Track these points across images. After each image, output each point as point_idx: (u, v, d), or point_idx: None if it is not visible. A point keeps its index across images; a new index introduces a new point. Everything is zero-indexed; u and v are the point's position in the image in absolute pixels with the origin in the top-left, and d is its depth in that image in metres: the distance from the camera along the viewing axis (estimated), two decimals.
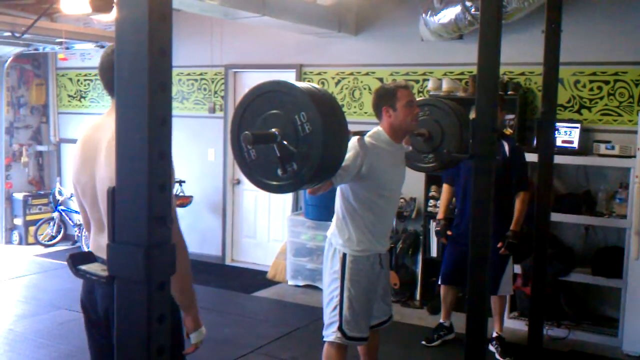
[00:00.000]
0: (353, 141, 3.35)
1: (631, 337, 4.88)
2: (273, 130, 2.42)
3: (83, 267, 1.38)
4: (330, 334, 3.45)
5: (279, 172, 2.44)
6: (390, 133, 3.50)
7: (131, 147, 1.19)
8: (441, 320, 5.10)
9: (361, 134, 3.48)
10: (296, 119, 2.40)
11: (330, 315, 3.47)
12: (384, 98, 3.51)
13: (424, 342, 4.98)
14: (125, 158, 1.21)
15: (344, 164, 2.79)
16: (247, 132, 2.37)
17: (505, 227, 4.64)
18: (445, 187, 5.08)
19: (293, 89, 2.48)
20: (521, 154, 4.84)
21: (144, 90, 1.15)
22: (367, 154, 3.36)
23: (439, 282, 5.13)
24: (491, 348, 4.75)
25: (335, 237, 3.50)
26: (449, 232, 4.94)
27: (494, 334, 4.81)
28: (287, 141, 2.40)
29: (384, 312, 3.67)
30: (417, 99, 3.81)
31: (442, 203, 5.09)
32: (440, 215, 5.03)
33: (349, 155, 3.15)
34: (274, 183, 2.53)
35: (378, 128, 3.54)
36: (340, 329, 3.41)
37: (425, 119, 3.91)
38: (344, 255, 3.44)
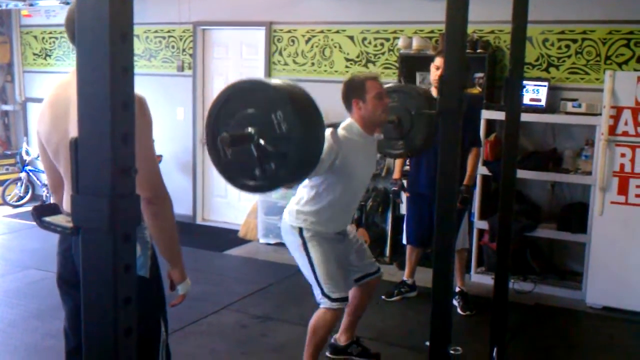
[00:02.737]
0: (327, 134, 3.34)
1: (594, 290, 5.02)
2: (249, 130, 2.42)
3: (47, 219, 1.38)
4: (317, 293, 3.49)
5: (257, 172, 2.45)
6: (362, 125, 3.52)
7: (93, 98, 1.18)
8: (404, 278, 5.20)
9: (334, 126, 3.50)
10: (272, 118, 2.40)
11: (314, 286, 3.51)
12: (353, 90, 3.52)
13: (383, 297, 5.05)
14: (88, 109, 1.20)
15: None
16: (225, 133, 2.36)
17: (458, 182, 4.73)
18: None
19: (267, 87, 2.47)
20: (476, 111, 4.90)
21: (105, 39, 1.13)
22: (341, 147, 3.39)
23: (403, 242, 5.24)
24: (454, 302, 4.86)
25: (291, 216, 3.52)
26: (406, 194, 5.05)
27: (457, 289, 4.91)
28: (263, 141, 2.40)
29: (366, 267, 3.75)
30: (386, 86, 3.84)
31: (397, 163, 5.13)
32: (396, 175, 5.11)
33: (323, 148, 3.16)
34: (251, 183, 2.54)
35: (350, 120, 3.55)
36: (324, 294, 3.45)
37: (395, 105, 3.94)
38: (300, 229, 3.49)
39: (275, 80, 2.54)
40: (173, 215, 2.36)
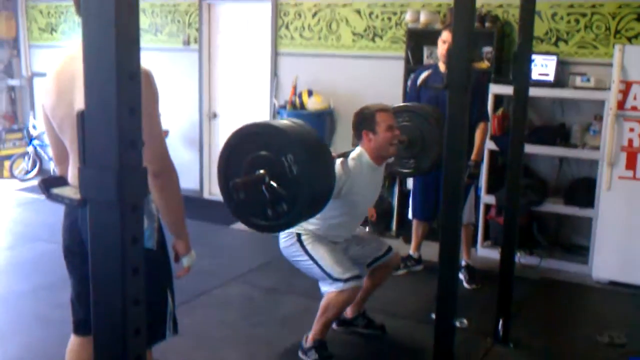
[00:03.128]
0: (337, 164, 3.43)
1: (601, 265, 5.03)
2: (261, 171, 2.45)
3: (55, 191, 1.38)
4: (327, 286, 3.50)
5: (269, 212, 2.48)
6: (371, 156, 3.57)
7: (99, 69, 1.18)
8: (410, 252, 5.21)
9: (345, 155, 3.57)
10: (283, 161, 2.43)
11: (322, 282, 3.54)
12: (364, 122, 3.57)
13: None
14: (94, 80, 1.20)
15: None
16: (237, 180, 2.43)
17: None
18: None
19: (278, 130, 2.51)
20: (483, 85, 4.87)
21: (111, 9, 1.13)
22: (349, 177, 3.46)
23: (410, 217, 5.25)
24: (460, 276, 4.87)
25: (288, 230, 3.53)
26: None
27: (463, 263, 4.92)
28: (275, 182, 2.43)
29: (370, 252, 3.79)
30: (395, 106, 3.87)
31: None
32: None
33: None
34: (263, 223, 2.57)
35: (360, 149, 3.60)
36: (335, 279, 3.45)
37: (406, 125, 3.99)
38: (298, 235, 3.52)
39: (284, 123, 2.60)
40: (179, 188, 2.38)
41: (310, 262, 3.50)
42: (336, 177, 3.26)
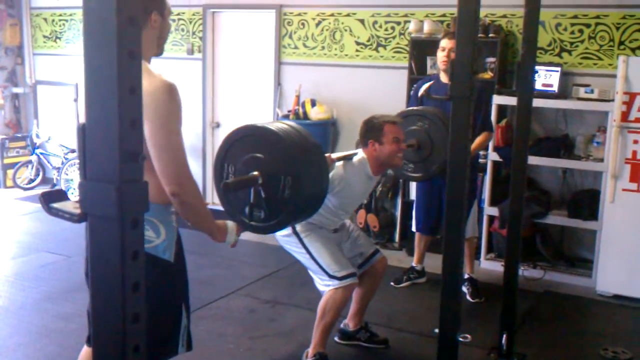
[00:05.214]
0: (338, 166, 3.53)
1: (605, 278, 4.99)
2: (255, 173, 2.47)
3: (56, 205, 1.37)
4: (325, 285, 3.53)
5: (247, 212, 2.50)
6: (372, 165, 3.62)
7: (101, 83, 1.17)
8: (413, 264, 5.18)
9: (346, 158, 3.61)
10: (281, 179, 2.44)
11: (317, 276, 3.56)
12: (371, 131, 3.61)
13: (392, 283, 5.04)
14: (95, 94, 1.18)
15: None
16: (227, 181, 2.44)
17: None
18: None
19: (284, 144, 2.49)
20: (486, 96, 4.86)
21: (113, 22, 1.12)
22: (347, 178, 3.54)
23: (413, 229, 5.23)
24: (463, 289, 4.85)
25: None
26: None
27: (466, 275, 4.89)
28: (265, 191, 2.45)
29: (362, 250, 3.80)
30: (404, 110, 3.88)
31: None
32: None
33: (330, 175, 3.23)
34: (248, 222, 2.58)
35: (364, 156, 3.63)
36: (330, 276, 3.49)
37: (415, 129, 4.00)
38: (293, 227, 3.54)
39: (293, 131, 2.57)
40: (201, 201, 2.37)
41: (307, 255, 3.54)
42: (334, 178, 3.39)
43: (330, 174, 3.28)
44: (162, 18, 2.31)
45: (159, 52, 2.40)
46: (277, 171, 2.46)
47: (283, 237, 3.61)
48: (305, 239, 3.53)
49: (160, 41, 2.38)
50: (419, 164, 4.18)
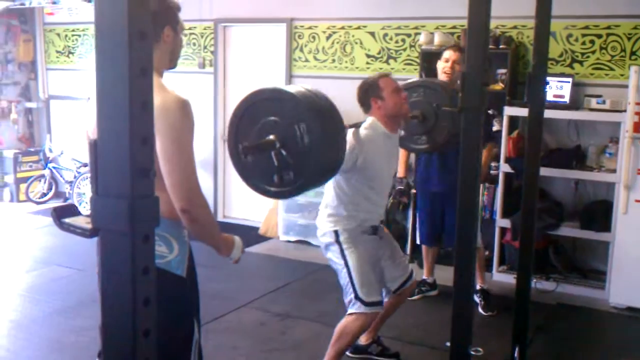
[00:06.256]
0: (349, 134, 3.36)
1: (618, 290, 4.95)
2: (271, 137, 2.43)
3: (67, 220, 1.38)
4: (351, 306, 3.47)
5: (275, 179, 2.46)
6: (385, 123, 3.52)
7: (112, 99, 1.18)
8: (424, 277, 5.16)
9: (357, 126, 3.50)
10: (295, 129, 2.41)
11: (347, 291, 3.49)
12: (369, 90, 3.55)
13: None
14: (107, 110, 1.19)
15: None
16: (246, 143, 2.38)
17: None
18: None
19: (293, 97, 2.48)
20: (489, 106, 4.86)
21: (124, 38, 1.12)
22: (363, 147, 3.40)
23: (418, 242, 5.20)
24: (475, 299, 4.81)
25: (324, 223, 3.52)
26: (404, 199, 5.18)
27: (477, 287, 4.86)
28: (285, 149, 2.41)
29: (400, 273, 3.75)
30: (408, 81, 3.84)
31: (402, 160, 4.93)
32: (401, 174, 4.98)
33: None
34: (272, 189, 2.55)
35: (373, 119, 3.54)
36: (357, 297, 3.42)
37: (418, 100, 3.93)
38: (336, 232, 3.47)
39: (298, 89, 2.55)
40: (211, 218, 2.35)
41: (345, 269, 3.46)
42: (349, 148, 3.19)
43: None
44: (175, 33, 2.33)
45: (171, 66, 2.41)
46: (291, 123, 2.41)
47: (326, 245, 3.54)
48: (347, 251, 3.45)
49: (173, 56, 2.39)
50: (423, 136, 4.09)
